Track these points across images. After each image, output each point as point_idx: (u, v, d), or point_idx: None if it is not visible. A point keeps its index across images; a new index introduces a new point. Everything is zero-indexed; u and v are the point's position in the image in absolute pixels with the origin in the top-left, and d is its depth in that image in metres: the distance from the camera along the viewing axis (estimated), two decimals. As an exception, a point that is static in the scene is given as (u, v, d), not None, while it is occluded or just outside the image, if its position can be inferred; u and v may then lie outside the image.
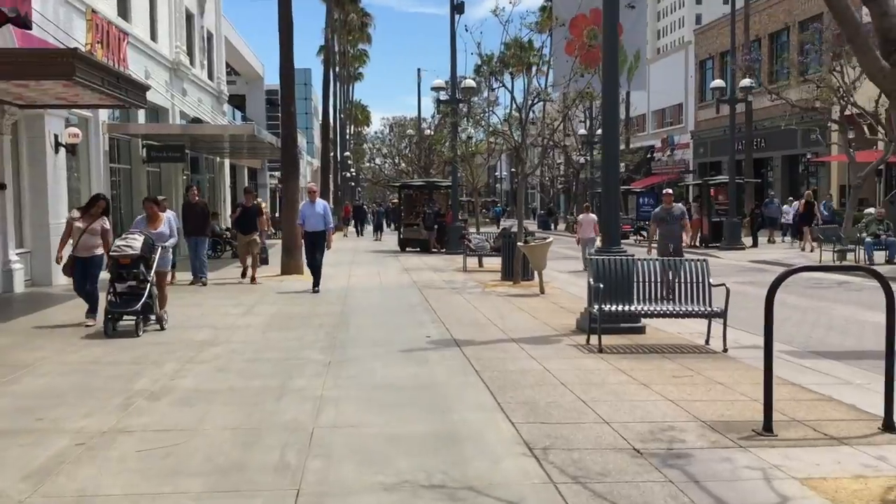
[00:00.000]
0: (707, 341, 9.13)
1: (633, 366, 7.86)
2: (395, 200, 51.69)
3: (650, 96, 56.87)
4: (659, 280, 9.24)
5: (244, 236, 17.04)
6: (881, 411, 5.77)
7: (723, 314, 8.69)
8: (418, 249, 28.72)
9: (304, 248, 15.65)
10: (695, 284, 9.15)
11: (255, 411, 6.29)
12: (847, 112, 21.72)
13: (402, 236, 30.04)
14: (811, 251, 25.07)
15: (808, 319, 12.04)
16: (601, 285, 8.80)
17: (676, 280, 9.19)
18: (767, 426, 5.63)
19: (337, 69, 70.25)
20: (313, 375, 7.59)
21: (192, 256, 16.59)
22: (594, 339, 9.02)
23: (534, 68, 17.15)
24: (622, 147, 49.24)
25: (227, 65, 37.12)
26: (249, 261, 16.87)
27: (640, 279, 9.22)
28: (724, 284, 8.92)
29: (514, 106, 16.54)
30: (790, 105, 24.15)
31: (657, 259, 9.32)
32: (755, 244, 28.93)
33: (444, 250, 27.67)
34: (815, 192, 33.16)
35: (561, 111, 20.49)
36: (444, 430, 5.70)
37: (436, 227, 27.88)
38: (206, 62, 30.57)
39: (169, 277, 12.30)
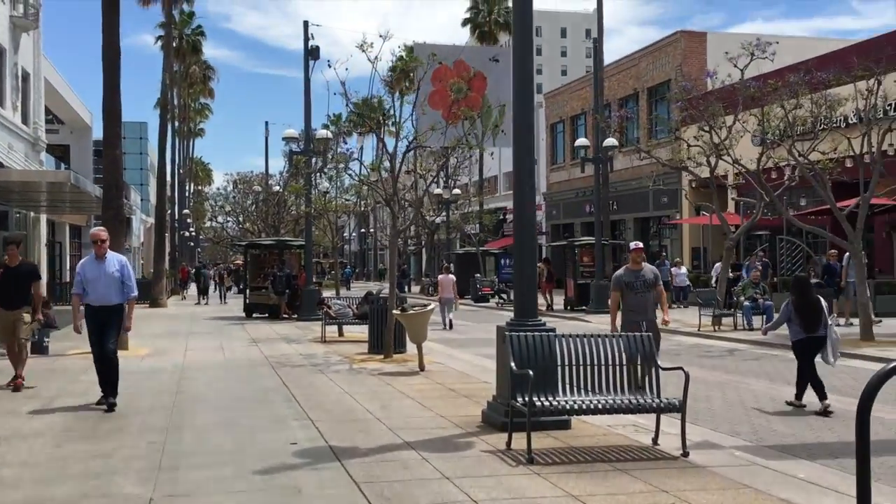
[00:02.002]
0: (656, 440, 7.20)
1: (588, 489, 5.75)
2: (239, 262, 48.22)
3: (501, 158, 56.93)
4: (592, 363, 7.26)
5: (6, 312, 10.69)
6: None
7: (681, 408, 6.79)
8: (267, 316, 25.83)
9: (86, 330, 9.59)
10: (636, 367, 7.24)
11: None
12: (717, 173, 21.29)
13: (248, 301, 27.04)
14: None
15: (732, 399, 10.49)
16: (531, 372, 6.69)
17: (613, 363, 7.24)
18: None
19: (176, 123, 66.19)
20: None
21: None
22: (518, 442, 6.88)
23: (384, 129, 15.19)
24: (475, 208, 48.58)
25: (48, 110, 33.04)
26: (23, 347, 10.84)
27: (567, 362, 7.22)
28: (681, 368, 7.06)
29: (386, 154, 14.47)
30: (661, 164, 23.57)
31: (590, 336, 7.38)
32: (620, 307, 28.09)
33: (295, 316, 24.96)
34: (662, 254, 33.21)
35: (435, 162, 18.69)
36: None
37: (287, 291, 25.15)
38: (19, 104, 26.68)
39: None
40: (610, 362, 7.22)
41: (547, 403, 6.67)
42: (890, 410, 9.30)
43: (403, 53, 16.58)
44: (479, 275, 38.35)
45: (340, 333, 18.66)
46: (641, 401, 6.82)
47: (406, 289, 49.49)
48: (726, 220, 21.93)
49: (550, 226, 50.29)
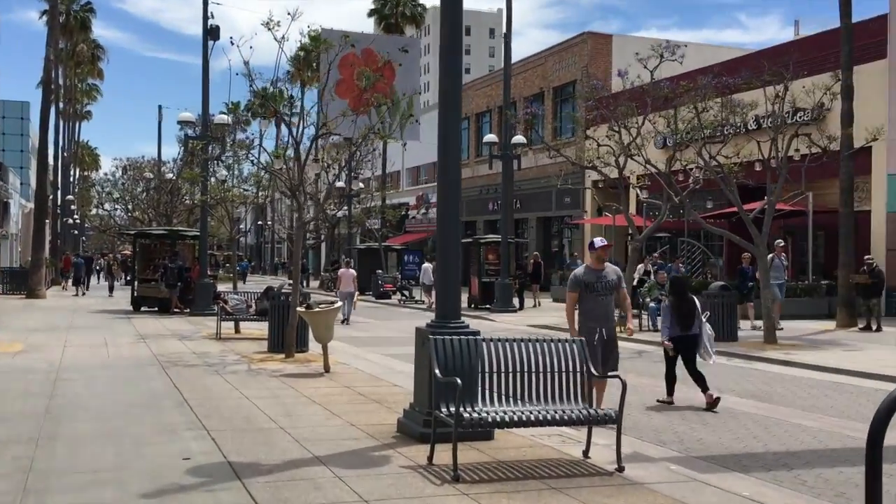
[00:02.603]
0: (587, 452, 6.69)
1: (525, 510, 5.17)
2: (127, 251, 45.66)
3: (405, 153, 56.26)
4: (521, 370, 6.69)
5: None
6: None
7: (617, 419, 6.30)
8: (156, 309, 24.32)
9: None
10: (567, 374, 6.71)
11: None
12: (624, 174, 21.28)
13: (136, 294, 25.41)
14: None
15: (650, 404, 10.15)
16: (458, 381, 6.05)
17: (542, 370, 6.69)
18: None
19: (61, 104, 62.42)
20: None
21: None
22: (441, 456, 6.24)
23: (289, 116, 14.37)
24: (378, 203, 47.65)
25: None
26: None
27: (493, 368, 6.62)
28: (617, 376, 6.57)
29: (291, 142, 13.54)
30: (571, 163, 23.40)
31: (518, 340, 6.81)
32: (522, 306, 27.94)
33: (188, 311, 23.58)
34: (574, 254, 33.37)
35: (339, 153, 17.84)
36: None
37: (179, 283, 23.72)
38: None
39: None
40: (539, 369, 6.67)
41: (476, 415, 6.05)
42: (813, 417, 9.18)
43: (309, 37, 15.68)
44: (380, 271, 37.59)
45: (237, 330, 17.59)
46: (576, 412, 6.29)
47: (305, 283, 48.19)
48: (633, 221, 21.95)
49: (453, 223, 49.93)
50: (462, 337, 6.85)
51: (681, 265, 23.36)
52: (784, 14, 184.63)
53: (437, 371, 6.35)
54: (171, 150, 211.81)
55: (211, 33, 23.19)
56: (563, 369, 6.68)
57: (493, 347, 6.65)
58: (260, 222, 79.22)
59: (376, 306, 31.37)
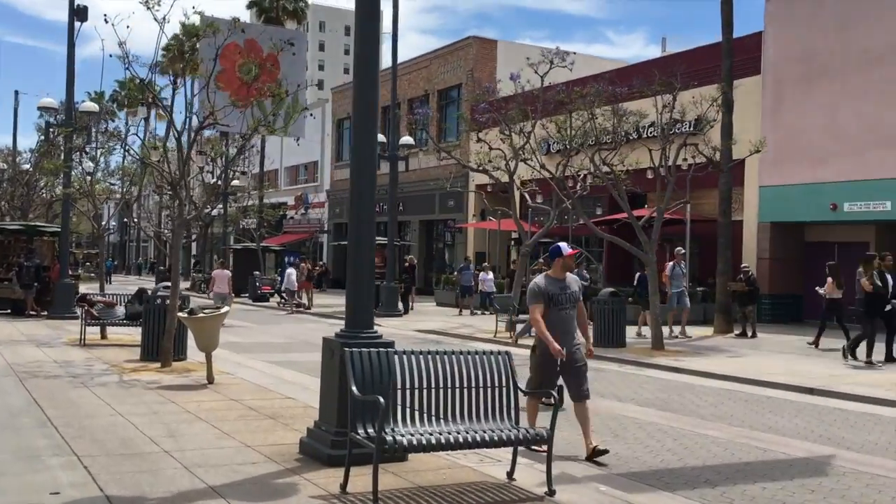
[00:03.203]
0: (511, 474, 6.19)
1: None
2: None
3: (283, 152, 54.70)
4: (445, 385, 6.12)
5: None
6: None
7: (548, 438, 5.83)
8: (9, 312, 22.20)
9: None
10: (493, 390, 6.19)
11: None
12: (516, 177, 21.17)
13: (-14, 294, 23.10)
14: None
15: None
16: (381, 399, 5.40)
17: (466, 385, 6.14)
18: None
19: None
20: None
21: None
22: (356, 482, 5.58)
23: (153, 110, 13.36)
24: (255, 202, 45.98)
25: None
26: None
27: (410, 384, 6.01)
28: (550, 392, 6.09)
29: (174, 132, 12.43)
30: (463, 165, 23.10)
31: (437, 353, 6.23)
32: (406, 311, 27.43)
33: (45, 314, 21.65)
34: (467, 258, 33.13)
35: (213, 148, 16.70)
36: None
37: (36, 284, 21.74)
38: None
39: None
40: (463, 384, 6.11)
41: (400, 438, 5.40)
42: (718, 427, 9.08)
43: (189, 28, 14.57)
44: (258, 272, 36.18)
45: (103, 336, 16.14)
46: (506, 432, 5.76)
47: (174, 284, 45.86)
48: (522, 226, 21.84)
49: (333, 225, 48.91)
50: (374, 349, 6.19)
51: (585, 272, 23.41)
52: (649, 32, 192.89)
53: (353, 388, 5.67)
54: (28, 141, 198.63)
55: (78, 14, 21.41)
56: (489, 384, 6.15)
57: (411, 360, 6.03)
58: (126, 220, 75.19)
59: (254, 309, 30.07)
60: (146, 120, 53.51)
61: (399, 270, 29.92)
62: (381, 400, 5.36)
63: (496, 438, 5.63)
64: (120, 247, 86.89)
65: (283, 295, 31.50)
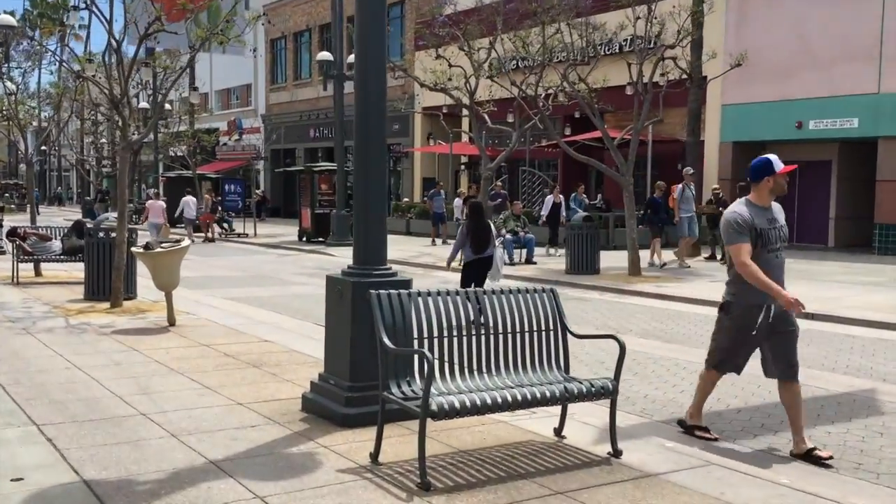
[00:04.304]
0: (560, 431, 5.33)
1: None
2: None
3: (213, 74, 51.92)
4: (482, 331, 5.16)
5: None
6: None
7: (613, 391, 4.95)
8: (-74, 248, 20.28)
9: None
10: (540, 334, 5.25)
11: None
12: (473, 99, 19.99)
13: None
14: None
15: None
16: (429, 355, 4.40)
17: (505, 331, 5.19)
18: None
19: None
20: None
21: None
22: (388, 449, 4.66)
23: (67, 33, 11.75)
24: (185, 128, 43.39)
25: None
26: None
27: (441, 331, 5.02)
28: (613, 336, 5.18)
29: (112, 46, 10.83)
30: (421, 85, 21.61)
31: (464, 293, 5.27)
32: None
33: (-35, 250, 19.85)
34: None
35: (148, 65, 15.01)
36: None
37: (-45, 217, 19.82)
38: None
39: None
40: (501, 329, 5.17)
41: (450, 399, 4.42)
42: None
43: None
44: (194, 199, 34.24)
45: (38, 273, 14.67)
46: (565, 386, 4.84)
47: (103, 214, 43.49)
48: (485, 150, 20.78)
49: (270, 151, 46.85)
50: (394, 291, 5.16)
51: (584, 196, 22.45)
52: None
53: (385, 339, 4.66)
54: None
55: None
56: (535, 327, 5.22)
57: (447, 302, 5.04)
58: (43, 147, 71.03)
59: (195, 241, 28.46)
60: (61, 41, 49.81)
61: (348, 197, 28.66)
62: (428, 354, 4.37)
63: (557, 394, 4.72)
64: (40, 176, 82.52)
65: (225, 226, 29.95)
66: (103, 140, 51.56)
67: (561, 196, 21.34)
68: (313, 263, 20.03)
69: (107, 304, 10.95)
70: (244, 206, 31.09)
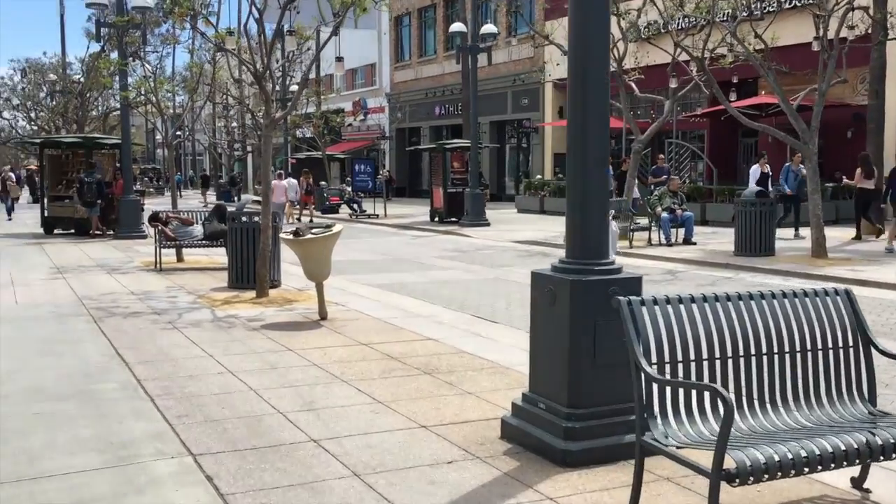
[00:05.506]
0: (861, 483, 3.96)
1: None
2: (33, 166, 40.61)
3: (337, 54, 51.82)
4: (764, 350, 3.84)
5: None
6: None
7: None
8: (73, 232, 20.60)
9: None
10: (836, 352, 3.88)
11: None
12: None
13: (46, 214, 21.51)
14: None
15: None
16: (723, 391, 3.14)
17: (795, 349, 3.84)
18: None
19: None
20: None
21: None
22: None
23: (199, 16, 10.93)
24: (312, 109, 43.31)
25: None
26: None
27: (710, 349, 3.73)
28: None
29: (254, 12, 10.01)
30: (564, 53, 20.11)
31: (728, 298, 3.97)
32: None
33: (111, 233, 20.00)
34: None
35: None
36: None
37: (99, 201, 19.96)
38: None
39: None
40: (786, 347, 3.83)
41: (754, 456, 3.13)
42: None
43: None
44: (324, 182, 34.07)
45: (179, 258, 14.29)
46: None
47: (236, 198, 44.20)
48: (634, 122, 19.13)
49: (395, 130, 46.35)
50: (657, 296, 3.90)
51: (801, 166, 20.37)
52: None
53: (643, 363, 3.42)
54: (77, 49, 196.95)
55: None
56: (830, 343, 3.86)
57: (717, 309, 3.75)
58: (178, 132, 73.48)
59: (324, 222, 28.09)
60: (193, 27, 50.49)
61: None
62: (724, 392, 3.11)
63: (893, 442, 3.35)
64: (175, 160, 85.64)
65: (355, 206, 29.53)
66: (234, 124, 52.53)
67: (768, 166, 19.12)
68: (451, 245, 19.04)
69: (252, 293, 10.24)
70: (374, 187, 30.53)
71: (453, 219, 24.59)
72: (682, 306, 3.67)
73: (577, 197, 4.52)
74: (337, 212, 31.67)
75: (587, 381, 4.30)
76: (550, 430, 4.35)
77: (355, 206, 29.98)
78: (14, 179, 29.53)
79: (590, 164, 4.50)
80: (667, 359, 3.53)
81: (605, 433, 4.30)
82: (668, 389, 3.45)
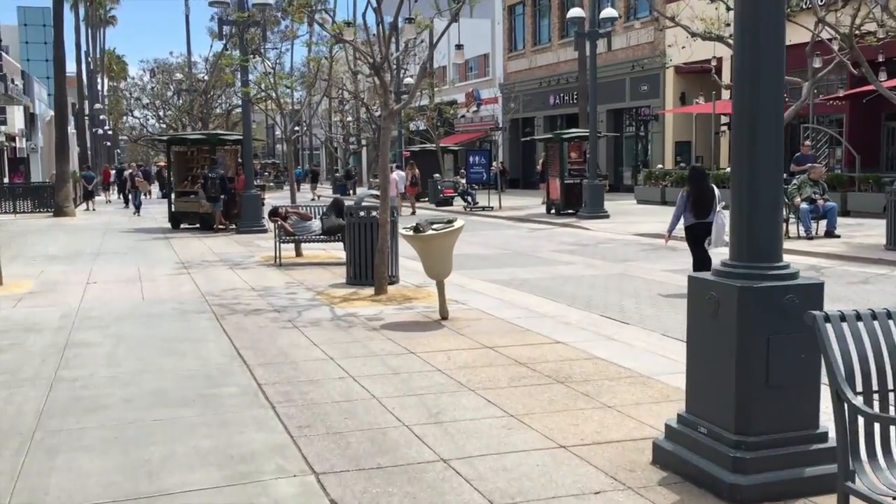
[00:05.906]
0: None
1: None
2: (162, 163, 42.44)
3: (450, 46, 51.63)
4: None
5: None
6: None
7: None
8: (197, 226, 21.15)
9: None
10: None
11: None
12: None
13: (174, 209, 22.19)
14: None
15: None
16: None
17: None
18: None
19: (80, 8, 58.63)
20: None
21: None
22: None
23: (316, 11, 10.68)
24: (426, 102, 43.21)
25: None
26: None
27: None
28: None
29: (369, 7, 9.75)
30: (691, 35, 19.09)
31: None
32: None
33: (233, 227, 20.40)
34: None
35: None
36: None
37: (223, 196, 20.40)
38: None
39: None
40: None
41: None
42: None
43: None
44: (438, 175, 33.94)
45: (298, 253, 14.30)
46: None
47: (351, 192, 44.80)
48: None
49: (509, 121, 45.77)
50: (862, 311, 3.29)
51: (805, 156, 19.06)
52: None
53: (849, 394, 2.83)
54: (201, 48, 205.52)
55: None
56: None
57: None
58: (296, 127, 75.37)
59: (439, 214, 27.93)
60: (310, 24, 51.60)
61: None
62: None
63: None
64: (293, 155, 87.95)
65: (469, 198, 29.22)
66: (349, 118, 53.26)
67: None
68: (570, 238, 18.40)
69: (370, 290, 10.00)
70: (488, 178, 30.13)
71: (570, 211, 23.89)
72: (891, 322, 3.05)
73: (744, 187, 3.92)
74: (451, 204, 31.48)
75: (758, 405, 3.72)
76: (714, 460, 3.79)
77: (469, 198, 29.67)
78: (141, 176, 30.72)
79: (760, 147, 3.89)
80: (874, 387, 2.92)
81: (781, 465, 3.71)
82: (877, 426, 2.84)
